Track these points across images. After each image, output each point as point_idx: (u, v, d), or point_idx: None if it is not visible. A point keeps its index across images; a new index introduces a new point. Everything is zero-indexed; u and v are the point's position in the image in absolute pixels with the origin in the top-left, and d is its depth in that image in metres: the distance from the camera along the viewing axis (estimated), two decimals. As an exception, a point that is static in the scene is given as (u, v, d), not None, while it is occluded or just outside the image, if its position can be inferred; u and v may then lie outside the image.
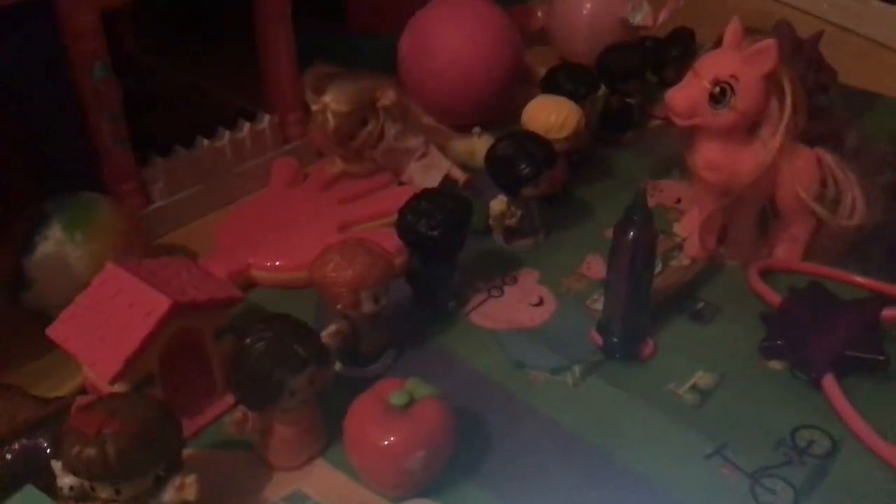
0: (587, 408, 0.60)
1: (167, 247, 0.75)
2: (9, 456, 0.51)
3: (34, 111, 0.70)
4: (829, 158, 0.67)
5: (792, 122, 0.65)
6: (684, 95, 0.66)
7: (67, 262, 0.62)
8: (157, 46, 0.93)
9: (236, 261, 0.70)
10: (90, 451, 0.44)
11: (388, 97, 0.79)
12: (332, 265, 0.58)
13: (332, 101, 0.78)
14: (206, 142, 0.79)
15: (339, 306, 0.59)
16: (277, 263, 0.71)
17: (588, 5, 1.00)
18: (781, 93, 0.64)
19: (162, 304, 0.53)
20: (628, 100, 0.89)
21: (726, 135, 0.66)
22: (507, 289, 0.71)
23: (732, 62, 0.64)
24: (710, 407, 0.59)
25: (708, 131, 0.67)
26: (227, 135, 0.80)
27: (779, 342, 0.62)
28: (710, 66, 0.65)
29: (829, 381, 0.59)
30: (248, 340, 0.51)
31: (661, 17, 0.98)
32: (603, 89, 0.86)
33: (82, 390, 0.58)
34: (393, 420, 0.51)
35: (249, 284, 0.70)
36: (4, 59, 0.68)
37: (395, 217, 0.66)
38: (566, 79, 0.83)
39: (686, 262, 0.73)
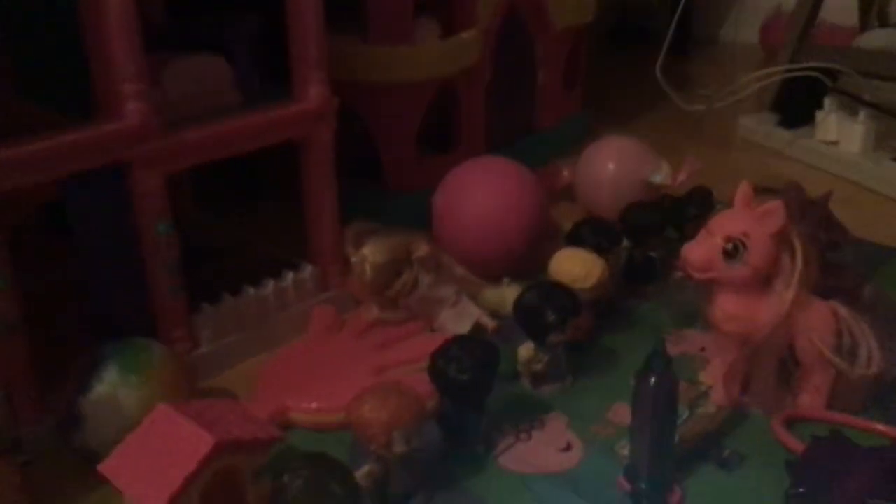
0: (615, 555, 0.60)
1: (212, 389, 0.77)
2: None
3: (98, 262, 0.75)
4: (843, 311, 0.69)
5: (804, 277, 0.67)
6: (699, 251, 0.69)
7: (120, 404, 0.65)
8: (211, 205, 1.01)
9: (276, 403, 0.73)
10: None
11: (422, 249, 0.85)
12: (368, 406, 0.60)
13: (370, 254, 0.83)
14: (252, 290, 0.83)
15: (372, 447, 0.60)
16: (314, 406, 0.73)
17: (611, 165, 1.06)
18: (792, 249, 0.68)
19: (207, 441, 0.56)
20: (651, 254, 0.91)
21: (742, 288, 0.69)
22: (535, 433, 0.72)
23: (743, 221, 0.68)
24: (738, 557, 0.59)
25: (724, 285, 0.69)
26: (271, 283, 0.84)
27: (802, 490, 0.62)
28: (723, 225, 0.69)
29: (855, 531, 0.59)
30: (286, 478, 0.53)
31: (680, 177, 1.03)
32: (626, 243, 0.89)
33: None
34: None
35: (287, 425, 0.72)
36: (77, 215, 0.74)
37: (427, 362, 0.68)
38: (590, 233, 0.86)
39: (712, 409, 0.73)
